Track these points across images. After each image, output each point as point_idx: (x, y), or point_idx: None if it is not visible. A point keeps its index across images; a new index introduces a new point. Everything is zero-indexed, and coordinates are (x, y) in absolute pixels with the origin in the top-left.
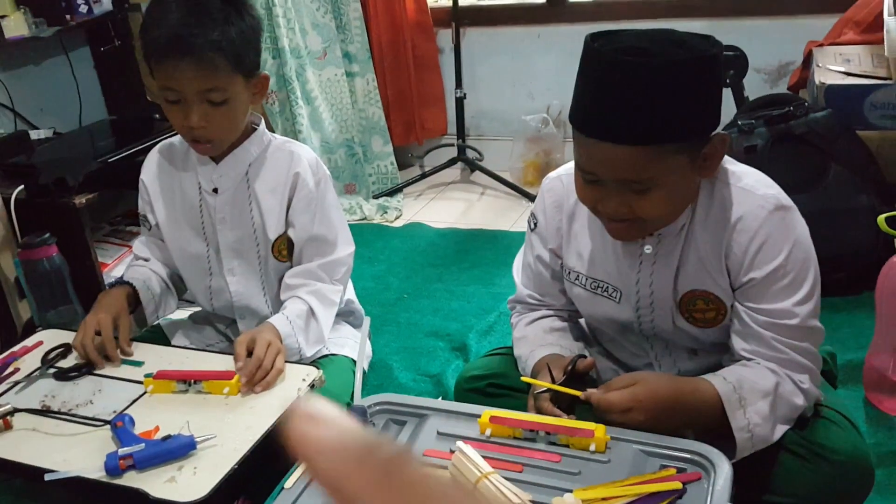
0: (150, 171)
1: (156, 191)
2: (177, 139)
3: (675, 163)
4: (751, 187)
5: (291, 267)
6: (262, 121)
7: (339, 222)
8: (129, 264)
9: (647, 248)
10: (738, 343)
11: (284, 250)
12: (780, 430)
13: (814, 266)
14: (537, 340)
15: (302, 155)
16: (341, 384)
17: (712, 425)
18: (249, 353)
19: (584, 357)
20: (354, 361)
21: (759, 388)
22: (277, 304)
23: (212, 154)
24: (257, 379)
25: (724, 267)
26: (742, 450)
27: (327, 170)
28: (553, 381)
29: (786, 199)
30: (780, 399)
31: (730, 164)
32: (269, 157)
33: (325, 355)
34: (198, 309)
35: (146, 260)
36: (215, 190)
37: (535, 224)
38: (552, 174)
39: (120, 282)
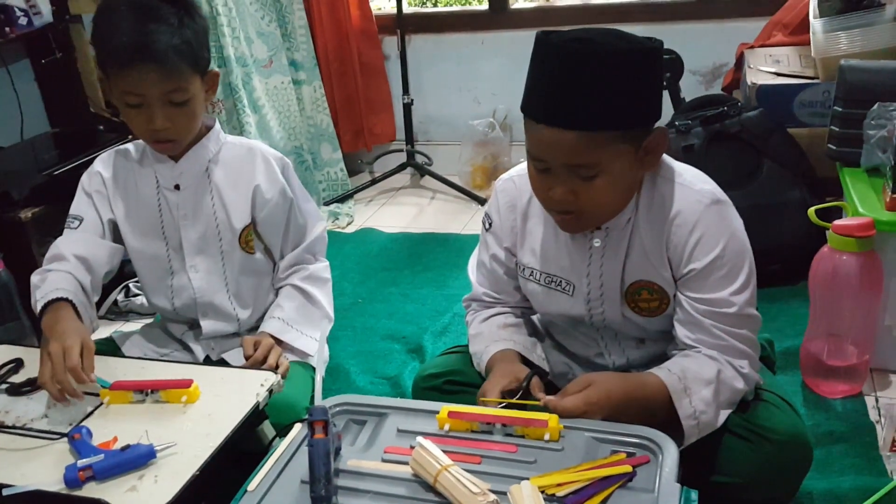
0: (108, 167)
1: (113, 188)
2: (131, 146)
3: (620, 151)
4: (688, 183)
5: (259, 259)
6: (216, 121)
7: (306, 203)
8: (47, 268)
9: (596, 242)
10: (680, 331)
11: (252, 241)
12: (724, 414)
13: (749, 257)
14: (492, 336)
15: (264, 150)
16: (300, 390)
17: (661, 415)
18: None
19: (539, 372)
20: (312, 367)
21: (701, 377)
22: (240, 301)
23: (173, 152)
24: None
25: (665, 258)
26: (689, 436)
27: (284, 156)
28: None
29: (721, 194)
30: (722, 385)
31: (669, 161)
32: (228, 153)
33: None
34: (149, 321)
35: (66, 261)
36: (177, 187)
37: (490, 224)
38: (505, 175)
39: (58, 299)
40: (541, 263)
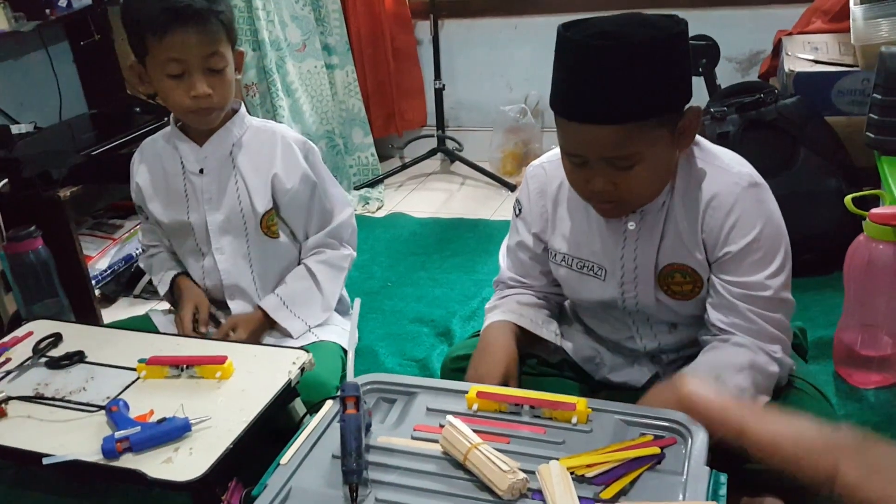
0: (141, 170)
1: (147, 187)
2: (159, 134)
3: (656, 137)
4: (726, 166)
5: (283, 243)
6: (242, 105)
7: (332, 187)
8: (149, 253)
9: (631, 225)
10: (713, 314)
11: (274, 226)
12: (762, 399)
13: (785, 241)
14: (502, 307)
15: (286, 135)
16: (330, 368)
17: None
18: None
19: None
20: (343, 349)
21: (734, 364)
22: (265, 285)
23: (211, 124)
24: None
25: (700, 241)
26: None
27: (310, 142)
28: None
29: (758, 177)
30: (755, 371)
31: (707, 144)
32: (252, 137)
33: (313, 342)
34: None
35: (155, 246)
36: (201, 171)
37: (520, 210)
38: (535, 162)
39: (179, 273)
40: (573, 249)
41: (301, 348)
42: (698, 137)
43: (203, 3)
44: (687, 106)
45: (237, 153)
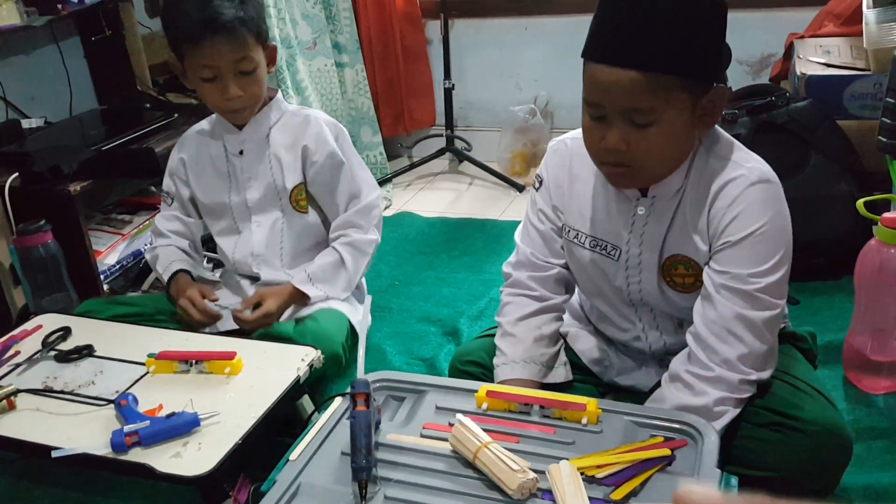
0: (182, 147)
1: (188, 165)
2: (205, 122)
3: (676, 99)
4: (741, 160)
5: (311, 219)
6: (279, 91)
7: (361, 170)
8: (154, 245)
9: (641, 210)
10: (696, 306)
11: (303, 201)
12: (730, 413)
13: (787, 245)
14: (518, 351)
15: (318, 117)
16: (337, 325)
17: None
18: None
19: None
20: (350, 325)
21: (690, 406)
22: (292, 259)
23: (245, 120)
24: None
25: (705, 233)
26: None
27: (342, 126)
28: None
29: (772, 175)
30: (690, 409)
31: (729, 138)
32: (287, 120)
33: (322, 307)
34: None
35: (167, 237)
36: (241, 152)
37: (540, 182)
38: (558, 138)
39: (178, 271)
40: (588, 226)
41: (307, 317)
42: (721, 132)
43: (231, 14)
44: (715, 85)
45: (273, 135)
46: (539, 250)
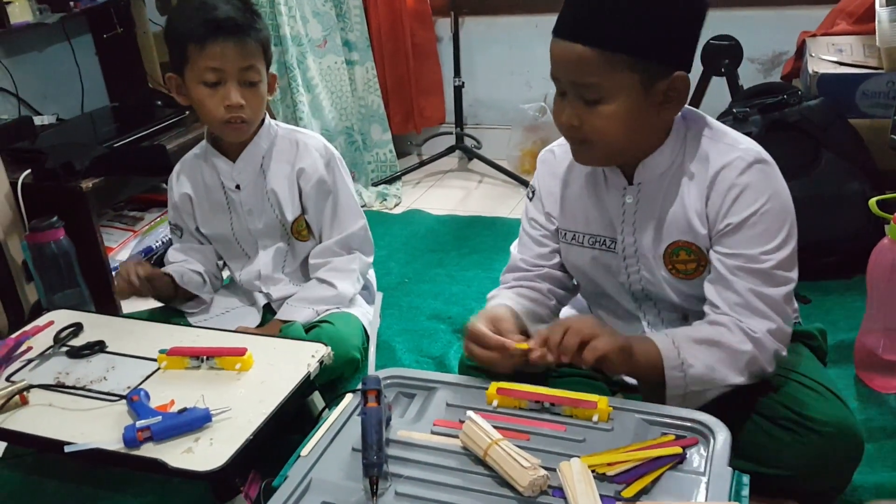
0: (182, 184)
1: (189, 197)
2: (190, 154)
3: (625, 79)
4: (734, 142)
5: (312, 245)
6: (268, 115)
7: (347, 200)
8: (171, 260)
9: (629, 199)
10: (708, 291)
11: (304, 230)
12: (730, 376)
13: (790, 220)
14: (501, 296)
15: (308, 144)
16: (352, 327)
17: (647, 369)
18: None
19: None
20: (364, 328)
21: (694, 336)
22: (295, 280)
23: (242, 137)
24: None
25: (705, 216)
26: (673, 387)
27: (335, 150)
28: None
29: (766, 155)
30: (719, 346)
31: (715, 122)
32: (278, 149)
33: (335, 312)
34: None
35: (174, 264)
36: (237, 186)
37: (533, 193)
38: (546, 148)
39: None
40: (582, 225)
41: (322, 321)
42: (708, 118)
43: (243, 19)
44: (677, 71)
45: (267, 166)
46: (529, 255)
